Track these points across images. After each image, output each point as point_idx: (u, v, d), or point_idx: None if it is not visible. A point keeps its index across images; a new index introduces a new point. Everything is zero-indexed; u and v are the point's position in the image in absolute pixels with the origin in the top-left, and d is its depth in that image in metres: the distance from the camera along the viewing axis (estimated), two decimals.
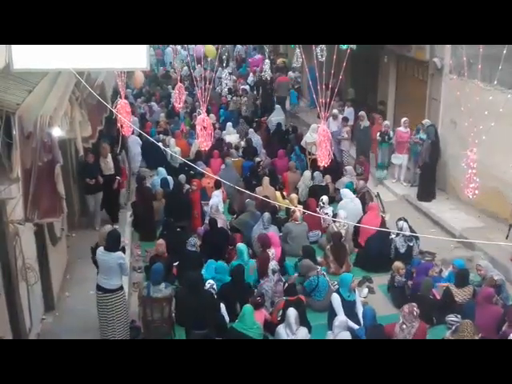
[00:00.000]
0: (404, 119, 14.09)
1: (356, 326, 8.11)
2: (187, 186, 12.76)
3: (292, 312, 7.69)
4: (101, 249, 7.77)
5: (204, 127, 5.99)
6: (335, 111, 15.93)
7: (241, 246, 9.67)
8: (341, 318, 7.75)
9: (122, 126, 8.10)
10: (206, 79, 7.47)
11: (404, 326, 7.51)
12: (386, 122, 14.61)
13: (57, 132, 6.05)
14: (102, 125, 9.69)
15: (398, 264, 9.48)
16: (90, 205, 11.73)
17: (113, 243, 7.76)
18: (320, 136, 5.07)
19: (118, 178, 12.26)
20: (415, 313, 7.55)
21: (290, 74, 22.35)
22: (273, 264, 9.34)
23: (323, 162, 5.23)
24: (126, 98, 13.45)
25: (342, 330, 7.49)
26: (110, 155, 12.10)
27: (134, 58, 5.06)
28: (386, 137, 14.22)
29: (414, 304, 7.77)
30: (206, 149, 6.93)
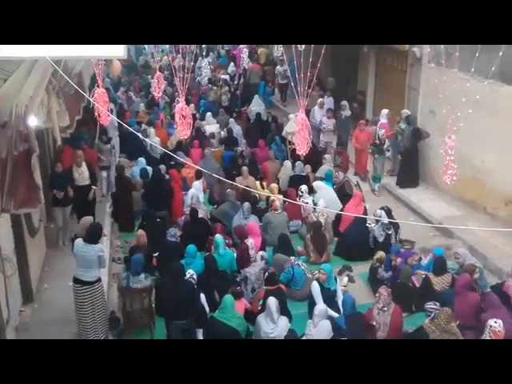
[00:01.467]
0: (386, 111, 14.06)
1: (336, 315, 8.15)
2: (167, 177, 12.70)
3: (272, 301, 7.68)
4: (80, 241, 7.66)
5: (183, 116, 5.95)
6: (322, 100, 15.77)
7: (218, 237, 9.62)
8: (320, 306, 7.75)
9: (99, 115, 8.00)
10: (185, 68, 7.39)
11: (385, 309, 7.59)
12: (382, 131, 13.55)
13: (33, 121, 5.95)
14: (80, 114, 9.58)
15: (381, 255, 9.52)
16: (57, 218, 10.48)
17: (94, 236, 7.72)
18: (298, 124, 5.05)
19: (94, 187, 11.27)
20: (390, 295, 7.73)
21: (278, 68, 21.25)
22: (261, 252, 9.44)
23: (302, 150, 5.23)
24: (108, 90, 13.29)
25: (321, 318, 7.51)
26: (84, 164, 10.95)
27: (111, 46, 4.97)
28: (383, 147, 13.58)
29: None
30: (185, 138, 6.88)
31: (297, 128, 5.10)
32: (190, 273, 8.56)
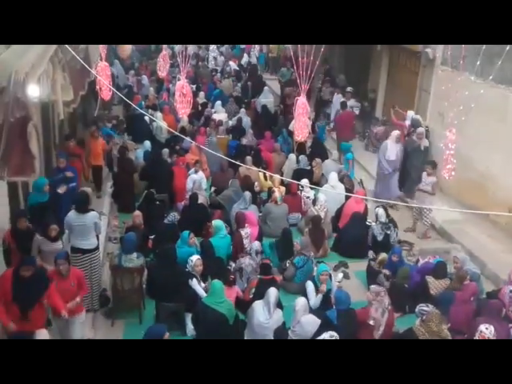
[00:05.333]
0: (412, 113, 13.52)
1: (314, 299, 8.11)
2: (170, 161, 12.68)
3: (273, 292, 7.56)
4: (73, 212, 7.78)
5: (183, 94, 5.87)
6: (397, 132, 12.46)
7: (218, 222, 9.58)
8: (300, 301, 7.60)
9: (100, 88, 7.92)
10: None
11: (390, 307, 7.55)
12: None
13: (33, 90, 5.87)
14: (85, 90, 9.49)
15: (383, 257, 9.40)
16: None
17: (84, 204, 7.88)
18: (298, 109, 4.96)
19: None
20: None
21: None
22: (256, 245, 9.32)
23: (300, 136, 5.14)
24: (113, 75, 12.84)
25: (303, 313, 7.41)
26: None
27: None
28: None
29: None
30: (185, 116, 6.81)
31: (296, 112, 5.01)
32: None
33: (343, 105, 15.28)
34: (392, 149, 12.20)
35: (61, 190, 8.93)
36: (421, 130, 12.25)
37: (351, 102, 16.19)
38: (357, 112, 16.25)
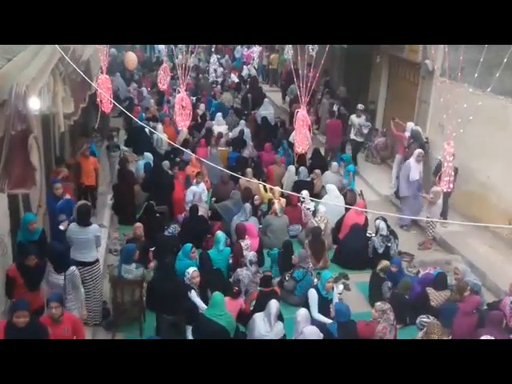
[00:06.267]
0: (412, 124, 13.46)
1: (327, 320, 8.05)
2: (170, 173, 12.68)
3: (275, 304, 7.55)
4: (74, 226, 7.75)
5: (183, 106, 5.90)
6: (420, 151, 11.98)
7: (220, 234, 9.58)
8: (301, 312, 7.53)
9: (101, 101, 7.95)
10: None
11: (395, 322, 7.58)
12: None
13: (34, 102, 5.89)
14: (85, 102, 9.52)
15: (386, 264, 9.39)
16: None
17: (86, 217, 7.87)
18: (299, 121, 4.97)
19: None
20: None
21: (353, 118, 15.66)
22: (250, 255, 9.28)
23: (301, 147, 5.15)
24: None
25: (305, 324, 7.33)
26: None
27: None
28: None
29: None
30: (185, 128, 6.83)
31: (297, 125, 5.03)
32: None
33: (331, 113, 15.45)
34: (415, 168, 11.88)
35: (62, 226, 8.79)
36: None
37: (361, 121, 15.45)
38: (365, 131, 15.54)
